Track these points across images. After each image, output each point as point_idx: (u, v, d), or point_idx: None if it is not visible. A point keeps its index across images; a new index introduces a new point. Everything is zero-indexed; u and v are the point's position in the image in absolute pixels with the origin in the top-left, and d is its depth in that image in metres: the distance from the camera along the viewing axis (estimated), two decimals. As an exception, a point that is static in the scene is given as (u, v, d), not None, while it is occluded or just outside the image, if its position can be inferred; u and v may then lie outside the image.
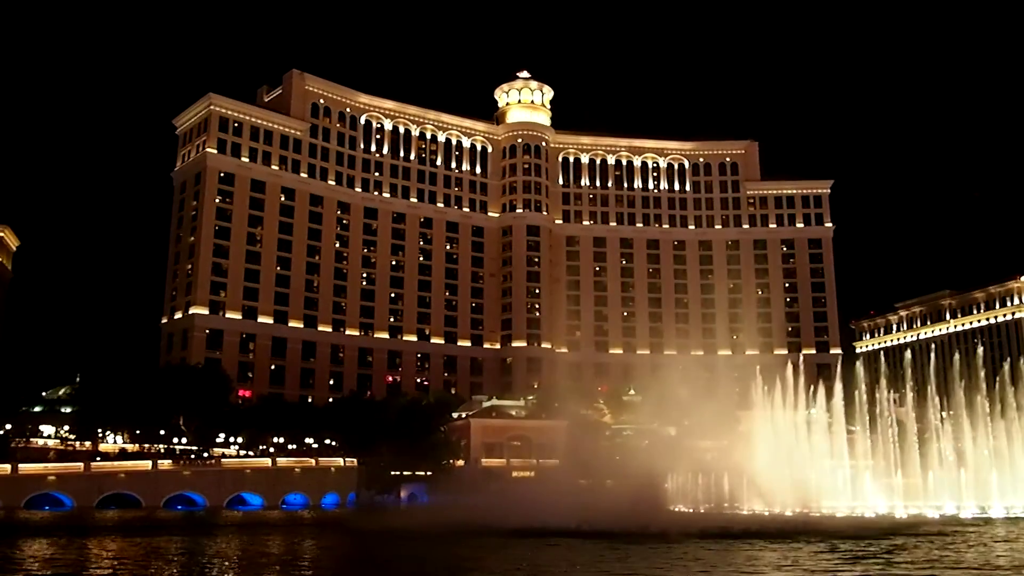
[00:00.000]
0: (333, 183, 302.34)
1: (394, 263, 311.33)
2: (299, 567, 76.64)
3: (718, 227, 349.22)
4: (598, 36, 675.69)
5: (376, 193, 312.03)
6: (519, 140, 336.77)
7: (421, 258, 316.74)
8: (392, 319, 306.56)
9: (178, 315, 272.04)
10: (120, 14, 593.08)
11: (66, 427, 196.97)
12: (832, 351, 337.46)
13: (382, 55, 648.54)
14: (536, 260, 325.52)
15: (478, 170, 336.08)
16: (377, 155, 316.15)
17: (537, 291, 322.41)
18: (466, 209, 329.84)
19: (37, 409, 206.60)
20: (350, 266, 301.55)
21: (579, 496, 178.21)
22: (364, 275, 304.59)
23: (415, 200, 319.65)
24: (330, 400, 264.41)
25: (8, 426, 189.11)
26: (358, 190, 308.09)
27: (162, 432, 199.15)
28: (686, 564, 76.34)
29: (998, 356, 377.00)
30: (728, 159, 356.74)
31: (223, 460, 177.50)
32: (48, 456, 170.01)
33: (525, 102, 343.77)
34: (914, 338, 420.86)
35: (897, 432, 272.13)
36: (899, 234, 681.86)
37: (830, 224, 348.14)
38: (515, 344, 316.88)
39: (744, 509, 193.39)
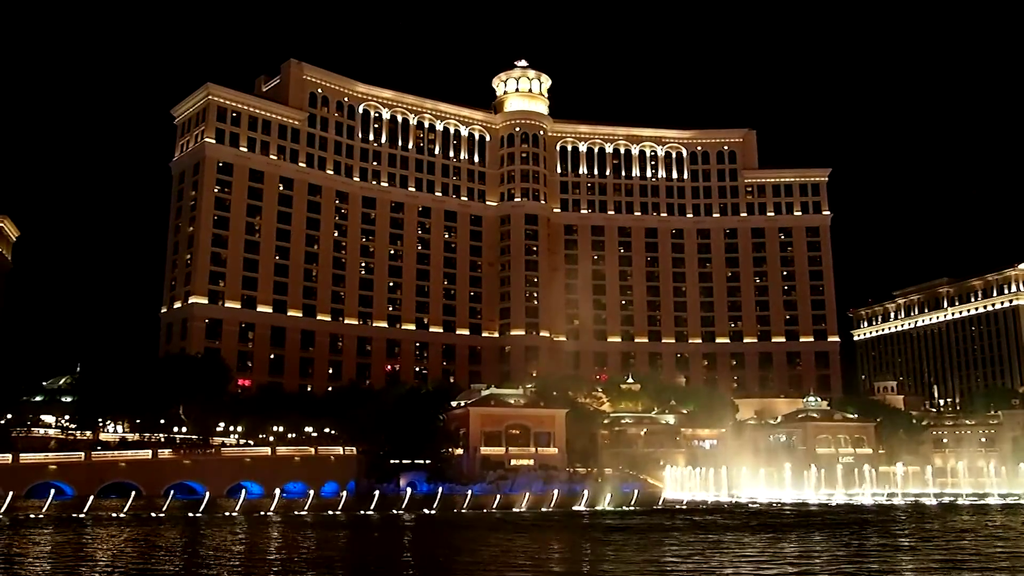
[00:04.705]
0: (331, 172, 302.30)
1: (392, 252, 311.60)
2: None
3: (716, 215, 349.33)
4: (596, 25, 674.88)
5: (374, 182, 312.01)
6: (517, 129, 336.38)
7: (419, 247, 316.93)
8: (391, 308, 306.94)
9: (177, 305, 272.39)
10: (118, 5, 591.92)
11: (67, 417, 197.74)
12: (830, 339, 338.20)
13: (380, 44, 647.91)
14: (534, 249, 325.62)
15: (476, 159, 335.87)
16: (375, 144, 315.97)
17: (535, 280, 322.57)
18: (464, 198, 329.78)
19: (38, 399, 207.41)
20: (349, 255, 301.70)
21: None
22: (363, 264, 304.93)
23: (413, 189, 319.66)
24: (329, 389, 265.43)
25: (9, 416, 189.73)
26: (356, 179, 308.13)
27: (162, 421, 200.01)
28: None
29: (996, 344, 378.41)
30: (726, 148, 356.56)
31: (223, 449, 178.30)
32: (49, 446, 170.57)
33: (523, 91, 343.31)
34: (912, 326, 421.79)
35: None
36: (897, 222, 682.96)
37: (828, 212, 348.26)
38: (513, 333, 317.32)
39: (743, 498, 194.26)
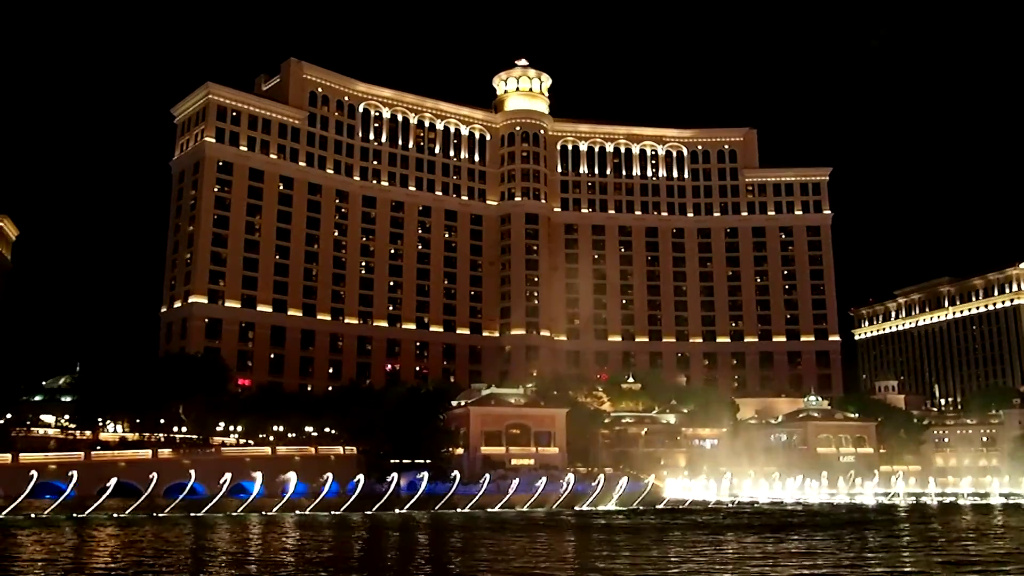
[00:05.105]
0: (331, 172, 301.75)
1: (393, 251, 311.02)
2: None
3: (716, 215, 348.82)
4: (596, 24, 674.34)
5: (374, 181, 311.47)
6: (517, 128, 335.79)
7: (420, 246, 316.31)
8: (391, 307, 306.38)
9: (177, 304, 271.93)
10: (118, 4, 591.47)
11: (66, 416, 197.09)
12: (831, 338, 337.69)
13: (380, 43, 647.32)
14: (535, 248, 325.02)
15: (476, 158, 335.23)
16: (375, 143, 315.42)
17: (536, 279, 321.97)
18: (464, 197, 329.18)
19: (37, 398, 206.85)
20: (349, 255, 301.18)
21: None
22: (363, 264, 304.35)
23: (413, 188, 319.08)
24: (329, 388, 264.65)
25: (9, 415, 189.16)
26: (356, 178, 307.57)
27: (162, 421, 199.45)
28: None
29: (997, 343, 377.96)
30: (727, 147, 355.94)
31: (223, 449, 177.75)
32: (49, 445, 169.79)
33: (523, 90, 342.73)
34: (913, 325, 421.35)
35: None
36: (898, 221, 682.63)
37: (828, 211, 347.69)
38: (514, 332, 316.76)
39: (745, 498, 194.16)
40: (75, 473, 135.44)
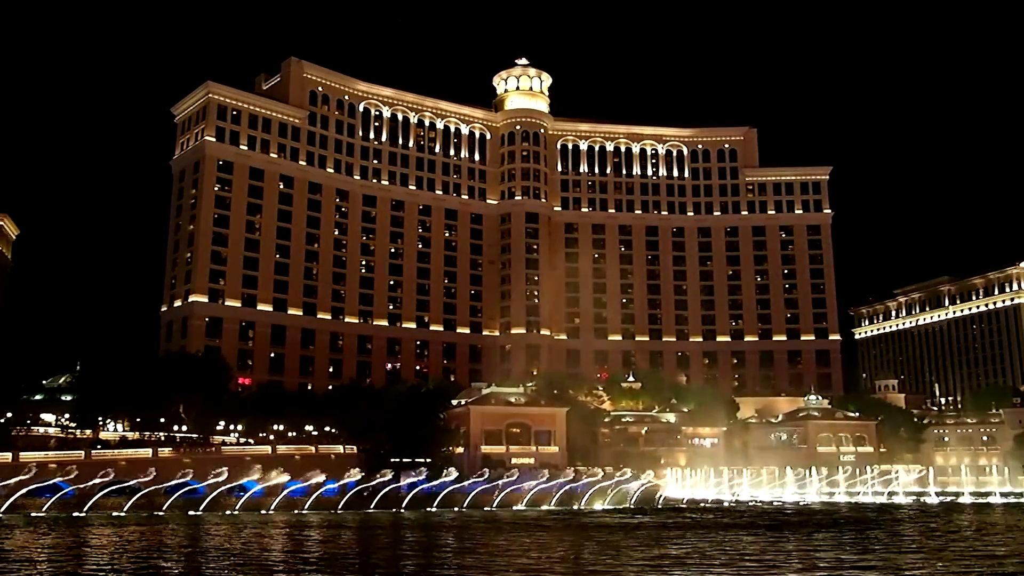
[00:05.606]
0: (332, 171, 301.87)
1: (393, 250, 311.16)
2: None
3: (717, 214, 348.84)
4: (597, 23, 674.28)
5: (375, 181, 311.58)
6: (518, 127, 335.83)
7: (420, 245, 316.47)
8: (391, 306, 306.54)
9: (178, 303, 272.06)
10: (118, 5, 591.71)
11: (67, 415, 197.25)
12: (831, 337, 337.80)
13: (381, 42, 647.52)
14: (535, 247, 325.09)
15: (477, 157, 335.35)
16: (376, 143, 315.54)
17: (536, 278, 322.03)
18: (465, 196, 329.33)
19: (38, 397, 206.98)
20: (349, 254, 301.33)
21: None
22: (363, 263, 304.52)
23: (414, 187, 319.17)
24: (330, 387, 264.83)
25: (9, 414, 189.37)
26: (357, 178, 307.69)
27: (162, 420, 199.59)
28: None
29: (997, 342, 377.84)
30: (727, 146, 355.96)
31: (223, 448, 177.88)
32: (49, 444, 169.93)
33: (524, 89, 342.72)
34: (913, 324, 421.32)
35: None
36: (898, 220, 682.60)
37: (829, 211, 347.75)
38: (514, 331, 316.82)
39: (744, 497, 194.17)
40: (111, 470, 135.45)
